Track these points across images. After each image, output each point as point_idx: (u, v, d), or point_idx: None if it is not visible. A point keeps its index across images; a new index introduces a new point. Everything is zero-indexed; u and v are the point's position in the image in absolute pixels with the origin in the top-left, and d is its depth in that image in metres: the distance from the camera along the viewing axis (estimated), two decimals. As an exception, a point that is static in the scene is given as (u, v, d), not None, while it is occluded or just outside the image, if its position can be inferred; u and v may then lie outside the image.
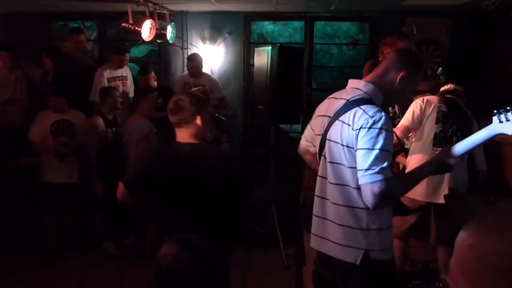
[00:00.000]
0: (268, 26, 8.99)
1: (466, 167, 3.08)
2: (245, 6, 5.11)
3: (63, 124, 3.93)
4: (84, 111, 4.16)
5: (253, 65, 5.16)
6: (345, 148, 1.71)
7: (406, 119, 3.08)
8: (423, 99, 3.11)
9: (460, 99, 3.25)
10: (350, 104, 1.73)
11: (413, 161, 3.08)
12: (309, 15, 5.43)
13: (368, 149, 1.61)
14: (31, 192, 3.96)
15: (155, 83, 4.81)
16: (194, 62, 4.93)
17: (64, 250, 4.00)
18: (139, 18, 4.29)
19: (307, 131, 2.11)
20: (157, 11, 4.63)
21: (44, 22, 5.75)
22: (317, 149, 1.92)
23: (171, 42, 4.99)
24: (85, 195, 3.94)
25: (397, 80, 1.79)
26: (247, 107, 5.55)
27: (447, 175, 2.91)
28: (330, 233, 1.81)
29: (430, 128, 3.08)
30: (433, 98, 3.14)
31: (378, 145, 1.60)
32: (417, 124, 3.08)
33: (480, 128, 3.09)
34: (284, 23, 8.83)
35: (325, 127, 1.82)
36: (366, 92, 1.78)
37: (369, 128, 1.62)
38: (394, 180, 1.65)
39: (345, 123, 1.71)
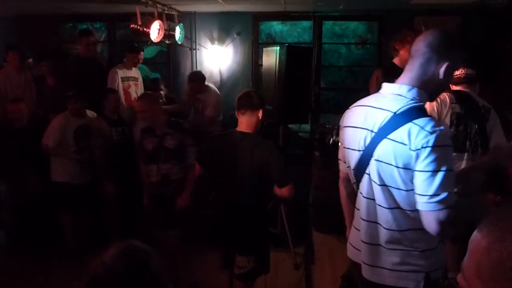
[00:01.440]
0: (276, 26, 8.99)
1: None
2: (253, 7, 5.12)
3: (85, 129, 3.96)
4: (98, 112, 4.20)
5: (261, 65, 5.17)
6: (401, 170, 1.51)
7: None
8: (438, 99, 2.91)
9: (473, 87, 3.07)
10: (400, 118, 1.51)
11: None
12: (318, 14, 5.42)
13: (432, 171, 1.42)
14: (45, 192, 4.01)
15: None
16: (193, 82, 4.84)
17: (83, 250, 4.00)
18: (148, 19, 4.32)
19: (342, 152, 1.87)
20: (165, 12, 4.66)
21: (54, 24, 5.81)
22: (352, 164, 1.72)
23: (179, 43, 5.01)
24: (97, 195, 3.98)
25: (441, 73, 1.56)
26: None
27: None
28: (385, 260, 1.63)
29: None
30: (446, 97, 2.97)
31: (443, 167, 1.42)
32: None
33: (501, 118, 3.03)
34: (292, 23, 8.83)
35: (367, 143, 1.61)
36: (413, 99, 1.56)
37: (431, 147, 1.42)
38: (461, 207, 1.49)
39: (399, 142, 1.49)
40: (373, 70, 5.48)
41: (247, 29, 5.53)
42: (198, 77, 4.87)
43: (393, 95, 1.61)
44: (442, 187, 1.42)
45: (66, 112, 3.97)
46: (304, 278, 3.66)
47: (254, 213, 2.68)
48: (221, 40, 5.54)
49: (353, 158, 1.70)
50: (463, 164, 2.98)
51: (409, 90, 1.58)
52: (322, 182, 4.25)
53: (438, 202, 1.42)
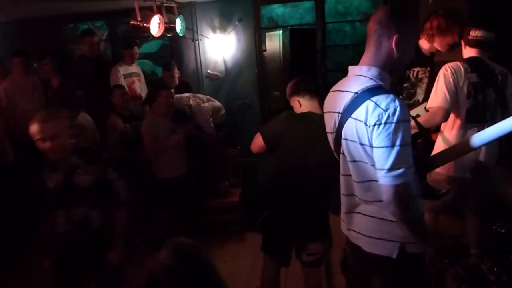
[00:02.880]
0: (278, 9, 8.86)
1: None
2: (252, -9, 5.03)
3: (74, 129, 3.95)
4: (106, 110, 4.20)
5: (265, 50, 5.10)
6: (364, 146, 1.59)
7: (442, 99, 2.75)
8: (451, 70, 2.80)
9: (487, 53, 2.93)
10: (360, 97, 1.58)
11: (446, 140, 2.90)
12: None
13: (387, 146, 1.49)
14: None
15: (177, 81, 4.82)
16: (171, 72, 4.81)
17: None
18: (147, 14, 4.27)
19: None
20: (164, 5, 4.60)
21: (55, 26, 5.79)
22: (332, 146, 1.83)
23: (181, 35, 4.96)
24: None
25: (394, 47, 1.61)
26: (263, 94, 5.50)
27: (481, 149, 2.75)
28: (362, 226, 1.74)
29: (462, 104, 2.83)
30: (460, 67, 2.83)
31: (398, 141, 1.48)
32: (454, 101, 2.78)
33: None
34: (294, 5, 8.68)
35: (337, 125, 1.71)
36: (371, 78, 1.63)
37: (385, 123, 1.49)
38: (418, 179, 1.59)
39: (358, 120, 1.58)
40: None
41: (248, 15, 5.43)
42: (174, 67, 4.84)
43: (355, 77, 1.69)
44: (397, 161, 1.48)
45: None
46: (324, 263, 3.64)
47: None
48: (223, 29, 5.47)
49: (331, 140, 1.82)
50: None
51: (368, 70, 1.65)
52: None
53: (394, 176, 1.49)
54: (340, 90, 1.74)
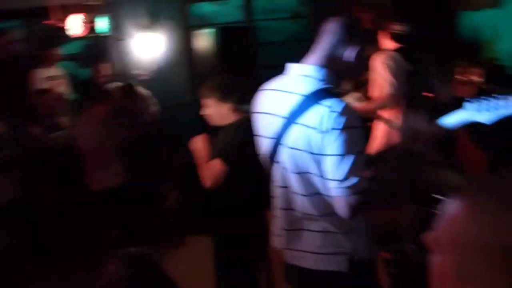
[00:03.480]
0: (207, 7, 8.76)
1: None
2: (180, -11, 4.91)
3: None
4: (24, 116, 3.88)
5: (195, 49, 5.02)
6: (314, 155, 1.46)
7: (389, 86, 2.84)
8: (390, 59, 2.90)
9: (409, 44, 3.06)
10: (310, 101, 1.46)
11: (385, 128, 2.98)
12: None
13: (342, 155, 1.39)
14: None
15: (105, 79, 4.59)
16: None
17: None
18: (67, 12, 4.02)
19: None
20: (87, 3, 4.36)
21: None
22: (263, 151, 1.67)
23: (105, 34, 4.73)
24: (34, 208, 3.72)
25: (352, 57, 1.56)
26: (195, 93, 5.40)
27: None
28: (307, 243, 1.59)
29: (402, 91, 2.95)
30: (395, 56, 2.93)
31: (353, 149, 1.41)
32: (400, 87, 2.87)
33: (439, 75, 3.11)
34: (224, 2, 8.63)
35: (277, 130, 1.54)
36: (321, 80, 1.51)
37: (340, 129, 1.40)
38: (370, 188, 1.49)
39: (308, 127, 1.44)
40: (308, 43, 5.51)
41: (176, 13, 5.31)
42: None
43: (300, 76, 1.56)
44: (351, 171, 1.40)
45: None
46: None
47: None
48: (151, 27, 5.29)
49: (264, 145, 1.65)
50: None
51: (317, 71, 1.53)
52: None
53: (348, 187, 1.40)
54: (281, 90, 1.59)
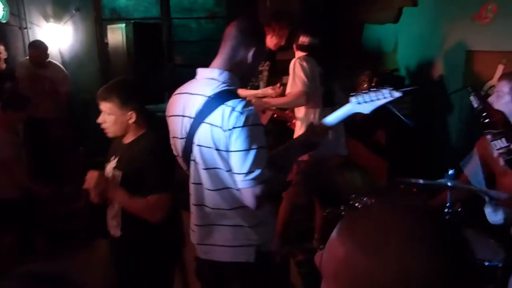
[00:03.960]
0: (120, 1, 8.44)
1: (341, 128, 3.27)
2: (91, -21, 4.68)
3: None
4: None
5: (107, 43, 4.82)
6: (220, 152, 1.57)
7: (302, 84, 3.01)
8: (306, 61, 3.08)
9: (315, 56, 3.24)
10: (214, 101, 1.57)
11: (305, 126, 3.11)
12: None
13: (245, 150, 1.51)
14: None
15: (3, 65, 4.19)
16: (39, 50, 4.40)
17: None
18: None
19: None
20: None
21: None
22: (179, 152, 1.74)
23: (4, 21, 4.34)
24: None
25: (249, 58, 1.69)
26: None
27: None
28: (217, 238, 1.70)
29: (317, 91, 3.14)
30: (310, 59, 3.13)
31: (255, 144, 1.52)
32: (313, 86, 3.06)
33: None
34: (138, -3, 8.38)
35: (188, 130, 1.64)
36: (224, 82, 1.63)
37: (242, 127, 1.51)
38: (273, 177, 1.59)
39: (214, 125, 1.55)
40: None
41: (87, 4, 5.04)
42: (43, 45, 4.39)
43: (206, 80, 1.67)
44: (255, 164, 1.51)
45: None
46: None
47: None
48: (58, 17, 4.97)
49: (179, 147, 1.73)
50: None
51: (220, 74, 1.65)
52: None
53: (253, 179, 1.51)
54: (190, 93, 1.68)
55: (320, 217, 3.47)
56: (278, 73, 3.84)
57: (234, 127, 1.51)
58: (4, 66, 4.25)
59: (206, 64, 1.77)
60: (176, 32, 6.85)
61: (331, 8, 5.32)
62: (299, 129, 3.25)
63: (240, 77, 1.71)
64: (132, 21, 3.88)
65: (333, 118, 1.75)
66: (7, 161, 3.24)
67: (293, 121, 3.40)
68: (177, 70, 5.49)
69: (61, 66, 4.69)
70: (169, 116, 1.77)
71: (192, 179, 1.71)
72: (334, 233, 0.66)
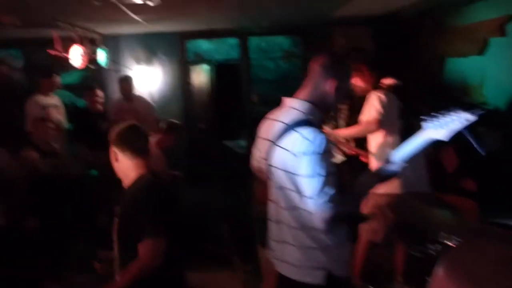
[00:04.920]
0: (203, 44, 9.00)
1: (421, 164, 3.17)
2: (177, 26, 5.09)
3: None
4: (18, 143, 3.90)
5: (191, 84, 5.14)
6: (289, 174, 1.68)
7: (375, 111, 3.04)
8: (383, 94, 3.10)
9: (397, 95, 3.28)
10: (289, 128, 1.70)
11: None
12: (242, 31, 5.51)
13: (314, 175, 1.60)
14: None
15: (101, 107, 4.66)
16: (126, 82, 4.84)
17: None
18: (68, 44, 4.13)
19: (255, 152, 2.02)
20: (87, 36, 4.49)
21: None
22: (265, 171, 1.87)
23: (105, 67, 4.84)
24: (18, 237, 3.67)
25: (330, 90, 1.78)
26: (189, 127, 5.49)
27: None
28: (289, 256, 1.78)
29: (396, 123, 3.13)
30: (388, 93, 3.15)
31: (323, 171, 1.60)
32: (387, 115, 3.05)
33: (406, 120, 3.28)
34: (219, 40, 8.87)
35: (268, 152, 1.79)
36: (303, 112, 1.75)
37: (312, 153, 1.61)
38: (343, 203, 1.65)
39: (285, 149, 1.68)
40: (300, 82, 5.67)
41: (174, 48, 5.48)
42: (130, 79, 4.82)
43: (288, 108, 1.80)
44: (323, 189, 1.60)
45: None
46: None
47: None
48: (148, 61, 5.44)
49: (264, 165, 1.86)
50: None
51: (302, 104, 1.77)
52: (264, 196, 4.27)
53: (322, 203, 1.59)
54: (273, 119, 1.84)
55: (402, 257, 3.29)
56: (359, 111, 3.83)
57: (304, 153, 1.61)
58: (102, 108, 4.70)
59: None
60: (254, 71, 7.13)
61: (406, 44, 5.24)
62: (374, 164, 3.18)
63: (323, 108, 1.81)
64: (214, 62, 4.12)
65: (408, 149, 1.73)
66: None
67: (363, 154, 3.36)
68: (255, 108, 5.68)
69: (146, 99, 5.06)
70: (259, 138, 1.93)
71: (271, 197, 1.85)
72: (440, 270, 0.65)
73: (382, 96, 3.08)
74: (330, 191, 1.60)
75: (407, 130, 3.16)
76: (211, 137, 4.11)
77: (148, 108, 4.90)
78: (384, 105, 3.06)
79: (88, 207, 4.16)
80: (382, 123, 3.05)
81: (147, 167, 2.00)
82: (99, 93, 4.67)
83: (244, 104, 5.16)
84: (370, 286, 3.24)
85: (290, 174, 1.68)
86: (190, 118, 5.39)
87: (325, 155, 1.64)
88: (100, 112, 4.67)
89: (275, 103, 1.94)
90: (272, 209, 1.86)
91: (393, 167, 1.76)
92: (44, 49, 4.21)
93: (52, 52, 4.06)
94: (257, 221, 4.40)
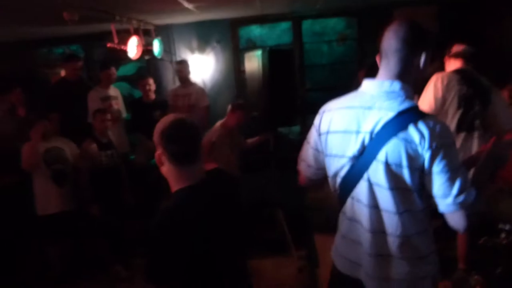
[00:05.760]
0: (255, 30, 8.96)
1: None
2: (229, 13, 5.06)
3: (54, 151, 3.84)
4: (85, 135, 4.10)
5: (244, 71, 5.12)
6: (411, 171, 1.44)
7: (426, 107, 2.88)
8: (442, 80, 2.91)
9: (471, 64, 3.05)
10: (406, 117, 1.45)
11: None
12: (295, 15, 5.39)
13: (452, 171, 1.40)
14: (29, 224, 3.89)
15: (153, 95, 4.80)
16: (183, 64, 4.93)
17: (72, 278, 3.92)
18: (124, 36, 4.25)
19: (312, 156, 1.75)
20: (141, 27, 4.59)
21: (27, 50, 5.69)
22: (337, 172, 1.62)
23: (159, 57, 4.94)
24: (84, 221, 3.88)
25: (422, 64, 1.53)
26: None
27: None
28: (395, 271, 1.55)
29: (452, 114, 2.96)
30: (452, 77, 2.95)
31: (458, 164, 1.43)
32: (438, 111, 2.89)
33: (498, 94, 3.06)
34: (271, 26, 8.80)
35: (367, 145, 1.51)
36: (408, 98, 1.51)
37: (445, 146, 1.41)
38: (478, 197, 1.46)
39: (409, 141, 1.43)
40: (354, 65, 5.47)
41: (226, 36, 5.47)
42: (186, 62, 4.94)
43: (387, 93, 1.52)
44: (464, 185, 1.41)
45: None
46: (309, 281, 3.59)
47: None
48: (201, 50, 5.48)
49: (343, 165, 1.58)
50: (474, 143, 3.01)
51: (402, 88, 1.51)
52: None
53: (464, 200, 1.41)
54: (365, 107, 1.54)
55: (465, 244, 3.11)
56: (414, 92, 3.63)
57: (438, 147, 1.40)
58: (153, 96, 4.82)
59: (336, 87, 1.69)
60: (307, 56, 7.00)
61: (470, 26, 4.87)
62: None
63: (412, 85, 1.56)
64: (266, 48, 4.06)
65: None
66: None
67: None
68: (308, 94, 5.57)
69: (200, 85, 5.14)
70: (330, 132, 1.63)
71: (365, 202, 1.55)
72: None
73: (439, 85, 2.89)
74: (470, 186, 1.42)
75: (465, 119, 2.96)
76: (264, 124, 4.07)
77: (202, 94, 4.95)
78: (438, 97, 2.88)
79: (151, 195, 4.32)
80: None
81: (192, 178, 1.55)
82: (150, 81, 4.79)
83: (297, 89, 5.07)
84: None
85: (412, 170, 1.44)
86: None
87: (455, 146, 1.46)
88: (153, 101, 4.79)
89: (330, 89, 1.80)
90: (368, 216, 1.55)
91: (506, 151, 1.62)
92: (102, 44, 4.36)
93: (110, 45, 4.19)
94: (310, 209, 4.38)
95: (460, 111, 2.96)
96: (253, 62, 4.00)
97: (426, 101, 2.92)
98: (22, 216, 3.93)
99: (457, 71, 3.04)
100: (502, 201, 3.29)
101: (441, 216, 1.51)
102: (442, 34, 5.01)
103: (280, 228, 4.13)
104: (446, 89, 2.92)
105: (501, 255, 2.87)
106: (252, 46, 8.19)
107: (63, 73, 5.10)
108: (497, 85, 3.20)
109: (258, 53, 3.92)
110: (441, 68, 3.22)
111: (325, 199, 3.22)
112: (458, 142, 2.96)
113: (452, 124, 2.97)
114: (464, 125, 2.97)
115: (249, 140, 4.34)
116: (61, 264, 3.93)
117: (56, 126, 4.08)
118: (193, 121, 1.58)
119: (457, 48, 3.07)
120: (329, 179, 1.70)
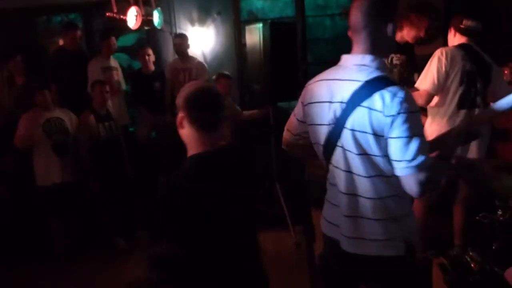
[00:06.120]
0: (257, 2, 8.79)
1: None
2: (231, -16, 4.96)
3: (54, 121, 3.83)
4: (84, 106, 4.08)
5: (245, 44, 5.05)
6: (376, 137, 1.52)
7: (429, 83, 2.85)
8: (446, 55, 2.87)
9: (475, 40, 3.02)
10: (372, 86, 1.51)
11: (436, 126, 2.96)
12: (298, -14, 5.27)
13: (409, 136, 1.46)
14: (30, 196, 3.91)
15: (152, 66, 4.76)
16: (181, 38, 4.88)
17: (74, 250, 3.96)
18: (124, 6, 4.17)
19: (293, 124, 1.88)
20: (141, -3, 4.49)
21: (26, 18, 5.58)
22: (321, 140, 1.69)
23: (159, 28, 4.86)
24: (85, 193, 3.91)
25: (390, 33, 1.60)
26: (242, 87, 5.45)
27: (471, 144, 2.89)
28: (367, 230, 1.63)
29: (454, 91, 2.92)
30: (456, 55, 2.91)
31: (417, 131, 1.48)
32: (441, 87, 2.87)
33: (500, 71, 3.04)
34: (274, -2, 8.63)
35: (338, 115, 1.59)
36: (378, 69, 1.57)
37: (406, 113, 1.46)
38: (435, 165, 1.53)
39: (373, 109, 1.50)
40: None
41: (227, 7, 5.37)
42: (185, 36, 4.91)
43: (357, 66, 1.61)
44: (419, 151, 1.47)
45: (35, 108, 3.82)
46: (307, 256, 3.65)
47: None
48: (202, 22, 5.38)
49: (322, 133, 1.68)
50: None
51: (373, 60, 1.59)
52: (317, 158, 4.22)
53: (417, 165, 1.46)
54: (339, 79, 1.63)
55: (461, 222, 3.15)
56: (414, 70, 3.58)
57: (398, 113, 1.47)
58: (153, 68, 4.76)
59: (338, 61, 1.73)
60: (310, 30, 6.90)
61: (478, 2, 4.75)
62: (430, 128, 2.99)
63: (383, 55, 1.65)
64: (268, 21, 3.99)
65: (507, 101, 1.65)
66: None
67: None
68: (310, 68, 5.50)
69: (200, 60, 5.08)
70: (310, 103, 1.73)
71: (341, 166, 1.64)
72: None
73: (444, 60, 2.84)
74: (426, 153, 1.48)
75: (466, 96, 2.92)
76: (264, 98, 4.04)
77: (202, 69, 4.89)
78: (441, 74, 2.83)
79: (151, 168, 4.33)
80: (432, 97, 2.87)
81: (210, 144, 1.59)
82: (150, 51, 4.74)
83: (299, 64, 5.02)
84: (432, 251, 3.14)
85: (377, 137, 1.51)
86: (244, 79, 5.34)
87: (417, 114, 1.52)
88: (152, 72, 4.74)
89: (332, 63, 1.79)
90: (343, 180, 1.64)
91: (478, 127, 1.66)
92: (102, 13, 4.27)
93: (109, 14, 4.11)
94: (309, 183, 4.41)
95: (462, 88, 2.92)
96: (255, 35, 3.94)
97: (429, 76, 2.87)
98: (23, 189, 3.95)
99: (461, 46, 2.98)
100: (500, 177, 3.31)
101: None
102: (449, 11, 4.94)
103: (278, 202, 4.16)
104: (450, 64, 2.87)
105: (498, 232, 2.91)
106: (253, 18, 8.04)
107: (61, 42, 5.03)
108: (498, 62, 3.17)
109: (260, 25, 3.86)
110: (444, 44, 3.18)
111: (323, 175, 3.23)
112: (459, 120, 2.92)
113: (454, 101, 2.93)
114: (466, 103, 2.93)
115: (246, 112, 4.33)
116: (62, 238, 3.97)
117: (56, 96, 4.05)
118: (218, 90, 1.68)
119: (466, 22, 3.00)
120: (314, 148, 1.79)
